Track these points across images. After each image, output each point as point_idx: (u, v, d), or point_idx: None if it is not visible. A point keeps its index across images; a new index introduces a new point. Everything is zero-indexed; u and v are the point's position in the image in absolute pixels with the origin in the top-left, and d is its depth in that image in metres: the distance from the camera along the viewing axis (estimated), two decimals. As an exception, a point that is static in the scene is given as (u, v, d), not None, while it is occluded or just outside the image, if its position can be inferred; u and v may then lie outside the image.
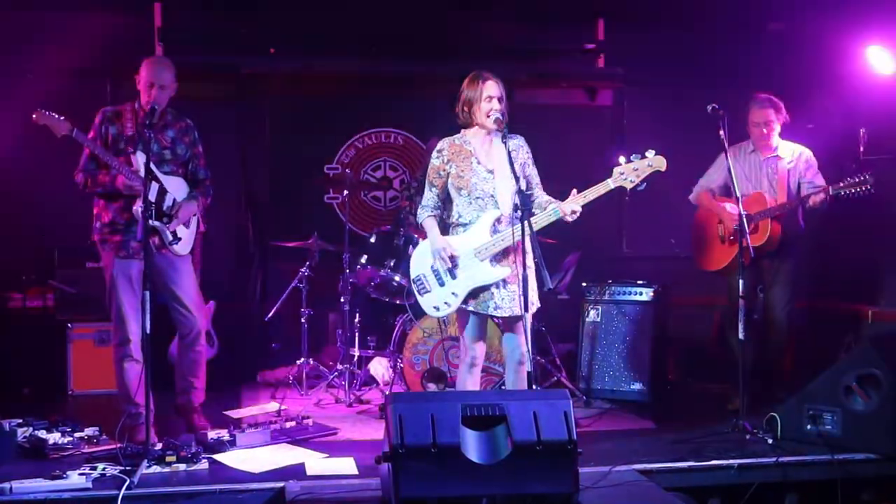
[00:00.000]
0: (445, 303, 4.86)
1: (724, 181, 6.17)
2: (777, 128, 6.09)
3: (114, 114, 5.25)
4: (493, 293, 4.76)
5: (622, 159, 4.68)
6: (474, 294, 4.80)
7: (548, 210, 4.75)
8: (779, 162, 6.11)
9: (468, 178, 4.80)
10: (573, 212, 4.70)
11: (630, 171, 4.66)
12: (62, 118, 4.94)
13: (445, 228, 4.98)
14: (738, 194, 5.48)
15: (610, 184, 4.69)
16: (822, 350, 6.62)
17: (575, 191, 4.70)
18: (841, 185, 5.69)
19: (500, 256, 4.78)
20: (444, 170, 4.88)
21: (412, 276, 4.99)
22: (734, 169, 6.04)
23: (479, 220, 4.79)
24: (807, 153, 6.14)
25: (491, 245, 4.75)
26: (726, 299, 6.26)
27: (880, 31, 6.70)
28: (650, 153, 4.65)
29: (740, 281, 5.38)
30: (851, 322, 6.67)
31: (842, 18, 6.90)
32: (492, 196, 4.80)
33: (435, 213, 4.94)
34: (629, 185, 4.68)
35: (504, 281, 4.77)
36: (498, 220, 4.79)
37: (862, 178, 5.62)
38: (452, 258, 4.78)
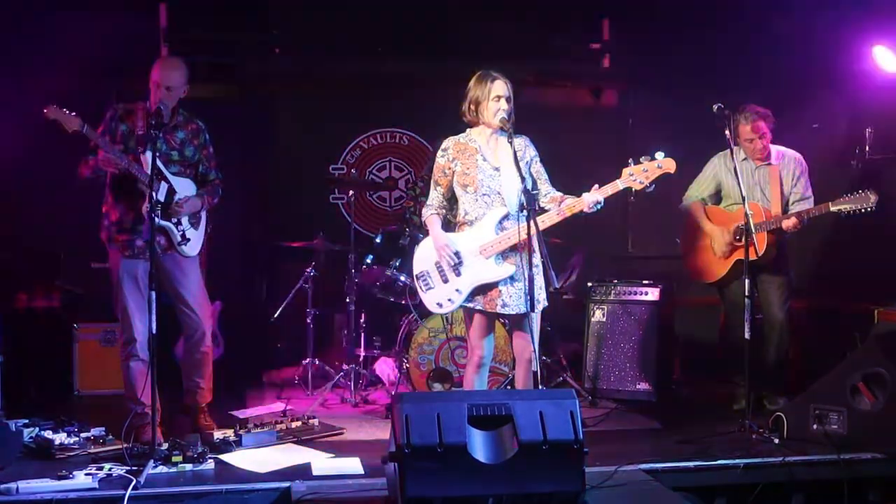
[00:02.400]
0: (449, 299, 4.86)
1: (717, 189, 6.15)
2: (770, 136, 6.00)
3: (125, 111, 5.25)
4: (500, 291, 4.76)
5: (632, 161, 4.68)
6: (480, 291, 4.80)
7: (567, 202, 4.71)
8: (770, 170, 6.02)
9: (474, 175, 4.80)
10: (596, 202, 4.65)
11: (639, 173, 4.65)
12: (73, 114, 4.93)
13: (452, 227, 4.98)
14: (745, 193, 5.44)
15: (619, 184, 4.68)
16: (829, 350, 6.60)
17: (596, 186, 4.68)
18: (840, 201, 5.53)
19: (506, 254, 4.77)
20: (449, 168, 4.88)
21: (416, 271, 4.99)
22: (726, 177, 6.03)
23: (484, 217, 4.79)
24: (798, 159, 6.06)
25: (496, 243, 4.75)
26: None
27: (886, 30, 6.69)
28: (659, 155, 4.64)
29: (746, 280, 5.36)
30: (858, 321, 6.66)
31: (847, 18, 6.89)
32: (498, 193, 4.79)
33: (439, 211, 4.94)
34: (638, 187, 4.67)
35: (511, 278, 4.76)
36: (504, 218, 4.79)
37: (862, 195, 5.45)
38: (456, 255, 4.79)
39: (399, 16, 7.66)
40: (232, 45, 7.77)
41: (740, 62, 7.89)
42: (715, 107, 5.38)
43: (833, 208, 5.56)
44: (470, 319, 4.89)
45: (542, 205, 4.85)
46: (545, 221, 4.70)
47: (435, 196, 4.95)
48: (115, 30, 7.32)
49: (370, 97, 8.14)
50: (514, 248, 4.75)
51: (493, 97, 4.77)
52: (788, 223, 5.74)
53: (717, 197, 6.19)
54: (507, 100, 4.78)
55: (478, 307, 4.80)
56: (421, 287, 4.96)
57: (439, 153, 4.93)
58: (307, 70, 7.78)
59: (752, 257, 5.56)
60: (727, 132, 5.41)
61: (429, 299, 4.95)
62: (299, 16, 7.78)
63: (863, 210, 5.47)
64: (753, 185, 5.99)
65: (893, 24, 6.64)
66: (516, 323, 4.87)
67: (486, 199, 4.80)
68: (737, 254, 5.90)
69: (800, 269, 6.56)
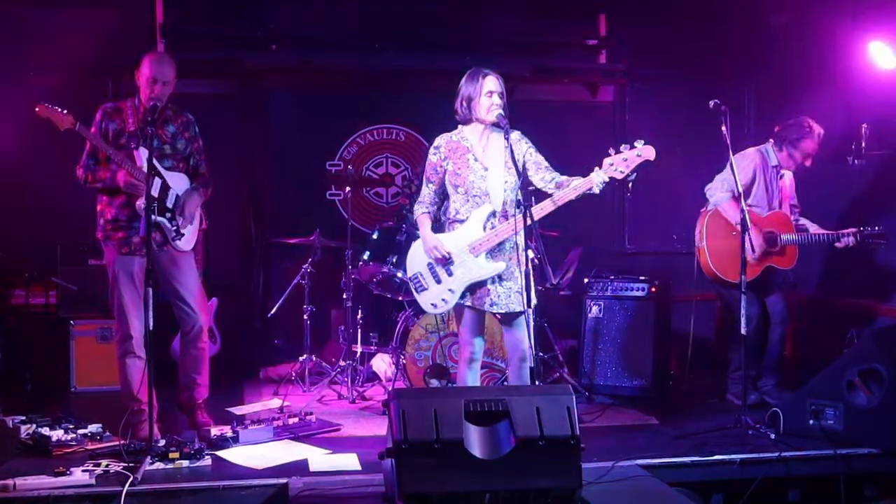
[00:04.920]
0: (443, 299, 4.86)
1: (745, 185, 6.03)
2: None
3: (113, 110, 5.24)
4: (489, 289, 4.76)
5: (612, 150, 4.66)
6: (471, 289, 4.80)
7: (574, 182, 4.65)
8: (783, 182, 6.19)
9: (465, 176, 4.80)
10: (604, 181, 4.60)
11: (619, 162, 4.62)
12: (65, 112, 4.93)
13: (442, 225, 4.98)
14: (741, 190, 5.46)
15: (601, 174, 4.67)
16: (826, 345, 6.62)
17: (597, 167, 4.63)
18: (864, 233, 5.86)
19: (496, 251, 4.78)
20: (440, 166, 4.88)
21: (409, 274, 5.00)
22: (759, 178, 6.05)
23: (472, 215, 4.80)
24: (791, 173, 6.26)
25: (485, 240, 4.75)
26: (724, 310, 6.34)
27: (882, 26, 6.69)
28: (639, 143, 4.61)
29: (742, 277, 5.37)
30: (855, 317, 6.68)
31: (843, 13, 6.89)
32: (487, 193, 4.79)
33: (430, 209, 4.94)
34: (619, 176, 4.63)
35: (500, 277, 4.76)
36: (492, 215, 4.79)
37: (880, 233, 5.84)
38: (447, 255, 4.78)
39: (396, 11, 7.65)
40: (229, 41, 7.75)
41: (737, 58, 7.91)
42: (711, 103, 5.38)
43: (860, 238, 5.90)
44: (460, 316, 4.90)
45: (548, 190, 4.78)
46: (545, 208, 4.68)
47: (426, 193, 4.95)
48: (111, 25, 7.32)
49: (367, 93, 8.13)
50: (502, 245, 4.76)
51: (486, 93, 4.76)
52: (847, 241, 5.93)
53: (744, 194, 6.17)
54: (500, 95, 4.77)
55: (468, 304, 4.81)
56: (415, 289, 4.96)
57: (431, 151, 4.93)
58: (304, 66, 7.76)
59: (787, 267, 6.01)
60: (723, 128, 5.39)
61: (423, 300, 4.95)
62: (296, 11, 7.77)
63: (878, 244, 5.91)
64: (774, 191, 6.08)
65: (889, 20, 6.64)
66: (508, 321, 4.87)
67: (477, 199, 4.80)
68: (767, 260, 5.94)
69: (798, 264, 6.57)
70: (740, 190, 5.47)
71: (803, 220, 6.16)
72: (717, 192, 6.05)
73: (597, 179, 4.62)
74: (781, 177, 6.18)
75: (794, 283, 6.92)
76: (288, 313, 7.21)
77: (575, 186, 4.65)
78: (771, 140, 6.20)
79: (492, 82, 4.78)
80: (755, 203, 6.02)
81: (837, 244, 5.93)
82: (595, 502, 4.06)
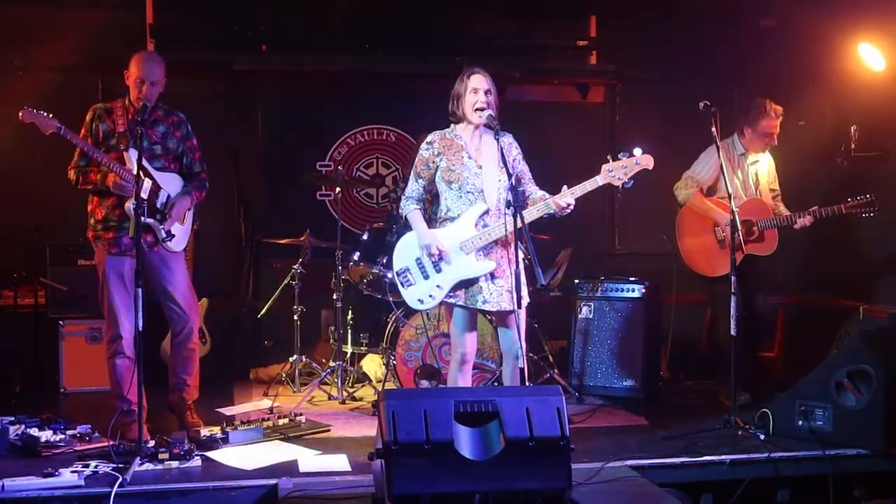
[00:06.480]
0: (430, 295, 4.85)
1: (714, 179, 6.17)
2: None
3: (104, 110, 5.22)
4: (481, 287, 4.76)
5: (610, 157, 4.70)
6: (461, 287, 4.79)
7: (539, 203, 4.74)
8: (759, 167, 6.21)
9: (459, 172, 4.80)
10: (567, 205, 4.67)
11: (618, 169, 4.67)
12: (50, 116, 4.90)
13: (432, 222, 4.97)
14: (731, 191, 5.48)
15: (599, 181, 4.69)
16: (815, 346, 6.64)
17: (566, 187, 4.71)
18: (849, 204, 5.81)
19: (487, 250, 4.78)
20: (433, 162, 4.87)
21: (396, 268, 4.97)
22: (727, 170, 6.07)
23: (465, 213, 4.80)
24: (771, 159, 6.29)
25: (477, 238, 4.75)
26: (711, 305, 6.35)
27: (871, 28, 6.72)
28: (637, 151, 4.65)
29: (733, 278, 5.38)
30: (844, 318, 6.70)
31: (833, 15, 6.91)
32: (480, 191, 4.79)
33: (419, 205, 4.93)
34: (617, 183, 4.69)
35: (492, 275, 4.76)
36: (485, 214, 4.79)
37: (868, 200, 5.76)
38: (440, 252, 4.78)
39: (386, 13, 7.65)
40: (219, 42, 7.75)
41: (727, 60, 7.93)
42: (701, 104, 5.40)
43: (844, 211, 5.81)
44: (451, 315, 4.90)
45: (525, 203, 4.83)
46: (541, 210, 4.71)
47: (416, 188, 4.94)
48: (100, 26, 7.31)
49: (357, 94, 8.14)
50: (495, 245, 4.76)
51: (471, 90, 4.78)
52: (804, 221, 5.89)
53: (711, 188, 6.21)
54: (486, 92, 4.77)
55: (459, 302, 4.80)
56: (401, 283, 4.94)
57: (424, 146, 4.92)
58: (294, 67, 7.76)
59: (766, 253, 5.97)
60: (713, 129, 5.42)
61: (409, 295, 4.93)
62: (286, 12, 7.77)
63: (867, 213, 5.79)
64: (746, 178, 6.11)
65: (878, 22, 6.67)
66: (502, 320, 4.87)
67: (470, 196, 4.80)
68: (746, 248, 5.95)
69: (787, 266, 6.61)
70: (730, 190, 5.48)
71: (782, 208, 6.18)
72: (682, 190, 6.18)
73: (561, 202, 4.66)
74: (755, 162, 6.19)
75: (783, 282, 6.96)
76: (278, 314, 7.22)
77: (539, 209, 4.71)
78: (735, 131, 6.26)
79: (477, 80, 4.79)
80: (729, 193, 6.05)
81: (795, 226, 5.97)
82: (585, 503, 4.06)
